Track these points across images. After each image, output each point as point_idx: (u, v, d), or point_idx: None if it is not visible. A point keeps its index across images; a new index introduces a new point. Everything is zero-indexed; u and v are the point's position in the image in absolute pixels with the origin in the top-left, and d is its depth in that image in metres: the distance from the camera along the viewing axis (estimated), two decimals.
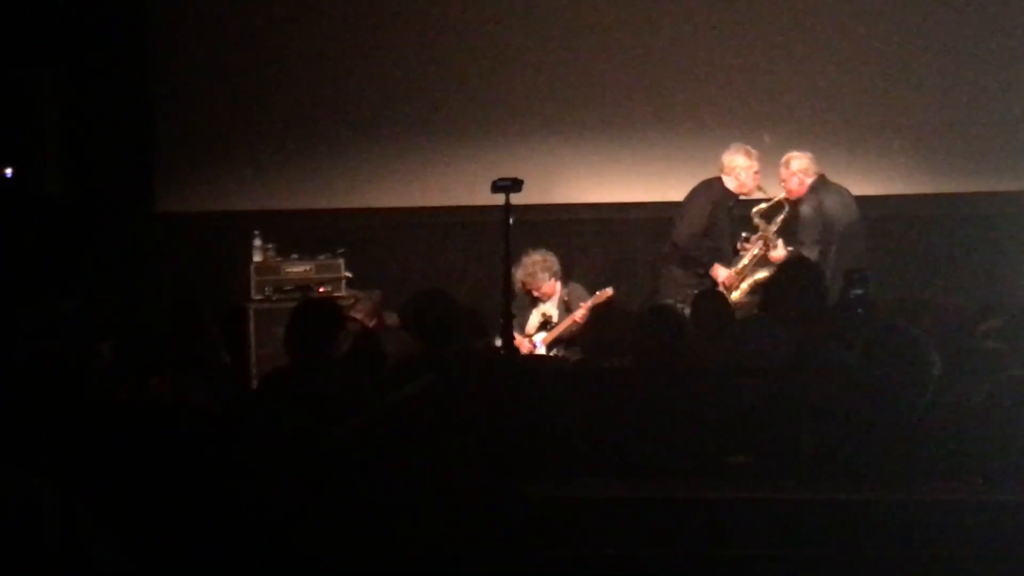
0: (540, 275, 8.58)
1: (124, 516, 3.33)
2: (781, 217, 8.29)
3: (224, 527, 3.76)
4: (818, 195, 8.15)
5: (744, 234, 8.38)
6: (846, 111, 9.32)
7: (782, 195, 8.31)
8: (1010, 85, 9.16)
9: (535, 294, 8.65)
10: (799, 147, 8.41)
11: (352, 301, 8.28)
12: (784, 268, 6.94)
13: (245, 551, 3.76)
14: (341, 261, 8.68)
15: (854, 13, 9.34)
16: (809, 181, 8.19)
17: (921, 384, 4.37)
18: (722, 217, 8.40)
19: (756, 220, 8.34)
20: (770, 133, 8.90)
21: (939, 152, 9.32)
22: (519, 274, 8.52)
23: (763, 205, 8.37)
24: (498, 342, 7.05)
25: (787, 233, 8.30)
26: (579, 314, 8.39)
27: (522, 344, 8.26)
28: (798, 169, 8.22)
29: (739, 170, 8.33)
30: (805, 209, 8.14)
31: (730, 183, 8.36)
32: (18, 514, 2.27)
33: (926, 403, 4.38)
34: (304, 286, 8.50)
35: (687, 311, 7.11)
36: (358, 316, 7.66)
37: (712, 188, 8.38)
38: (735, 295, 8.18)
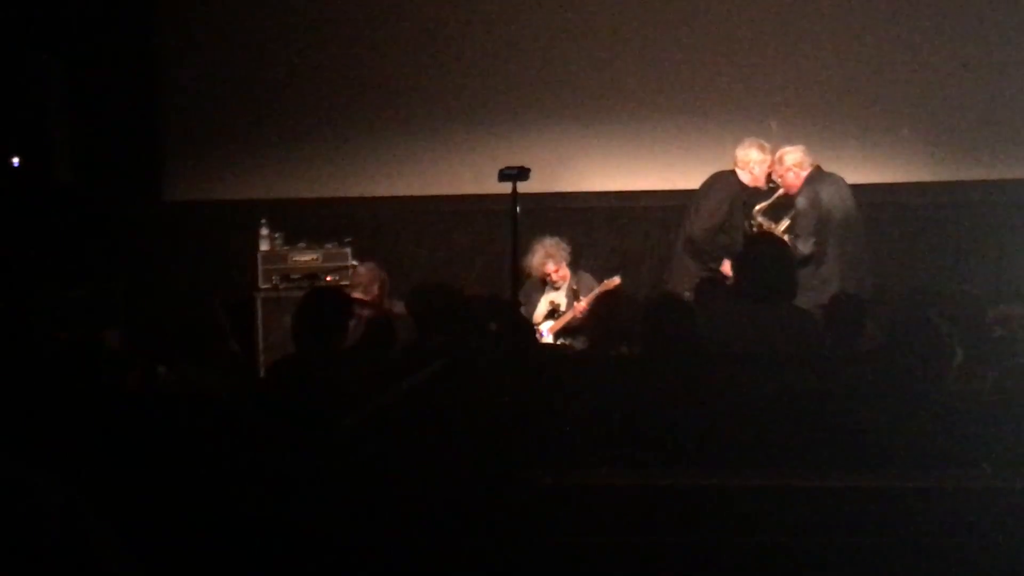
0: (560, 253, 8.57)
1: (130, 506, 3.33)
2: (789, 215, 8.23)
3: (232, 516, 3.76)
4: (814, 187, 8.06)
5: (752, 224, 8.34)
6: (855, 99, 9.28)
7: (781, 191, 8.26)
8: (1020, 72, 9.12)
9: (553, 277, 8.62)
10: (808, 135, 8.38)
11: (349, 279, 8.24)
12: (750, 246, 6.92)
13: (252, 541, 3.76)
14: (348, 250, 8.69)
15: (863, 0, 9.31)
16: (804, 174, 8.13)
17: (942, 373, 4.37)
18: (736, 211, 8.36)
19: (759, 219, 8.28)
20: (778, 120, 8.86)
21: (949, 140, 9.28)
22: (536, 258, 8.52)
23: (764, 203, 8.32)
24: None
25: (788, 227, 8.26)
26: (583, 303, 8.37)
27: None
28: (793, 163, 8.15)
29: (753, 164, 8.29)
30: (801, 201, 8.06)
31: (744, 177, 8.32)
32: (18, 513, 2.26)
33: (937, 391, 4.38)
34: (311, 275, 8.51)
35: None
36: (357, 293, 7.61)
37: (728, 182, 8.33)
38: None
